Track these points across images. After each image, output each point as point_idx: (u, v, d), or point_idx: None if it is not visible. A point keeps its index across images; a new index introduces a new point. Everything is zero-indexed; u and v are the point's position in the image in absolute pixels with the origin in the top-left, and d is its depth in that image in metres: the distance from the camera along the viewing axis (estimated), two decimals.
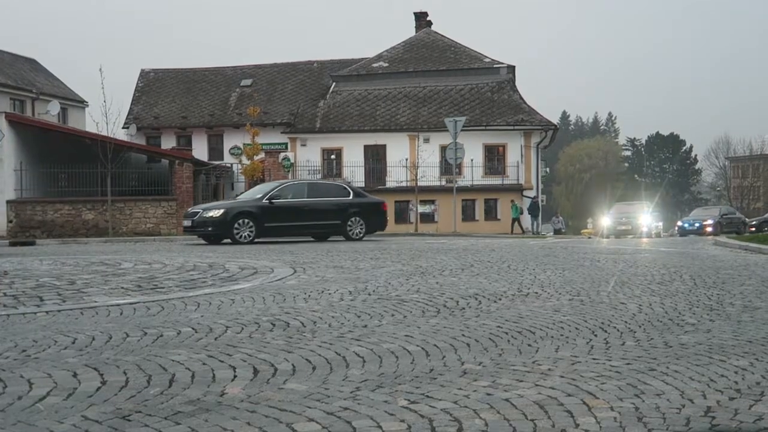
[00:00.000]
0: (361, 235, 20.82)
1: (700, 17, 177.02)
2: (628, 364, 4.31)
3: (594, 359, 4.45)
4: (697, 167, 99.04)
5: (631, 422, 3.22)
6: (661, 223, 39.69)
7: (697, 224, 38.22)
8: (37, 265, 10.72)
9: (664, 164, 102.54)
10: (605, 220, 36.12)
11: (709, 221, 37.71)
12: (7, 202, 29.25)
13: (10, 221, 29.18)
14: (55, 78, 48.64)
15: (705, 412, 3.37)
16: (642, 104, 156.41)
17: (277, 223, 19.84)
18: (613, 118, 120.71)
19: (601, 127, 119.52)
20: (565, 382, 3.88)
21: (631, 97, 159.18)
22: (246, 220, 19.34)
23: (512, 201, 37.73)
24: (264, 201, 19.91)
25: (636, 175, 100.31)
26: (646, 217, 34.97)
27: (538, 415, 3.31)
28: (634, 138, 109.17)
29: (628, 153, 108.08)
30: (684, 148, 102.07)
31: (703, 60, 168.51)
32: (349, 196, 21.24)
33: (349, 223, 20.64)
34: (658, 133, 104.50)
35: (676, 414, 3.33)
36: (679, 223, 40.95)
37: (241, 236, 19.12)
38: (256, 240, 19.33)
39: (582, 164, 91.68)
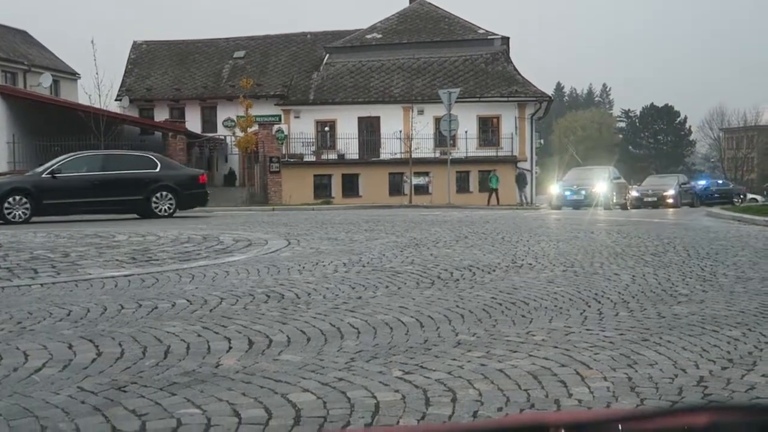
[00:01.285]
0: (171, 211, 18.30)
1: None
2: (622, 334, 4.34)
3: (587, 330, 4.47)
4: (691, 138, 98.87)
5: (624, 392, 3.24)
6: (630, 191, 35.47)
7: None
8: (30, 237, 10.70)
9: (659, 135, 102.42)
10: (554, 188, 31.27)
11: (670, 191, 33.30)
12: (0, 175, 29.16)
13: None
14: (46, 50, 48.22)
15: (697, 382, 3.39)
16: (637, 75, 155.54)
17: (60, 200, 17.40)
18: (607, 90, 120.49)
19: (596, 99, 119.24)
20: (559, 352, 3.91)
21: (626, 69, 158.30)
22: (20, 197, 16.87)
23: (494, 170, 37.22)
24: (44, 175, 17.56)
25: (630, 146, 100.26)
26: (604, 185, 29.67)
27: (531, 386, 3.33)
28: (629, 109, 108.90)
29: (623, 124, 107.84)
30: (678, 119, 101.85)
31: (698, 31, 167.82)
32: (155, 168, 18.65)
33: (155, 198, 18.21)
34: (652, 104, 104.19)
35: (668, 384, 3.36)
36: (634, 193, 35.25)
37: (13, 215, 16.66)
38: (32, 219, 16.81)
39: (576, 136, 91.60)
